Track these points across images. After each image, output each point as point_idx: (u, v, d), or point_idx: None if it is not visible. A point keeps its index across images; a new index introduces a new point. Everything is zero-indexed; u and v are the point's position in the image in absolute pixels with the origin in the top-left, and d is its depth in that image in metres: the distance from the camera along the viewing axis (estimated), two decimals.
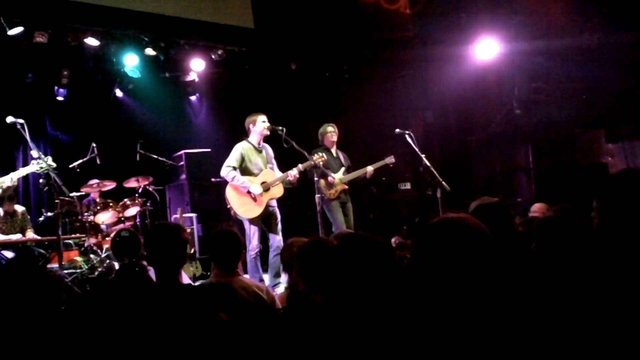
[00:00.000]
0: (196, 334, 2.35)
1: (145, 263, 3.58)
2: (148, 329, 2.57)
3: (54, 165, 6.47)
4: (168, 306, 2.97)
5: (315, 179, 7.25)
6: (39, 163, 6.33)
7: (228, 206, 7.01)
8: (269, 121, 7.09)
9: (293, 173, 6.97)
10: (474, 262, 2.08)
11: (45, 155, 6.56)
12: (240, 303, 3.32)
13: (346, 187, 7.76)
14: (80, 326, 2.46)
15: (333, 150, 7.91)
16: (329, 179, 7.56)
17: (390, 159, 8.00)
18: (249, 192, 6.86)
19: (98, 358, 2.48)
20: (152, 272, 3.46)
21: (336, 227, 7.54)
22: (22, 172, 6.50)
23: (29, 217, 7.56)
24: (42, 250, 7.31)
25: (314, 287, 2.96)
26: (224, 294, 3.18)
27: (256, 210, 6.88)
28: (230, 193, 6.97)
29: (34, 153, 6.37)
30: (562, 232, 3.02)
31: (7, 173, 6.68)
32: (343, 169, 7.80)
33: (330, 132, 7.89)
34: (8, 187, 6.49)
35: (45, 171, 6.36)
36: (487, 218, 3.61)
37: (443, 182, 7.20)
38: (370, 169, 7.84)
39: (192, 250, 8.53)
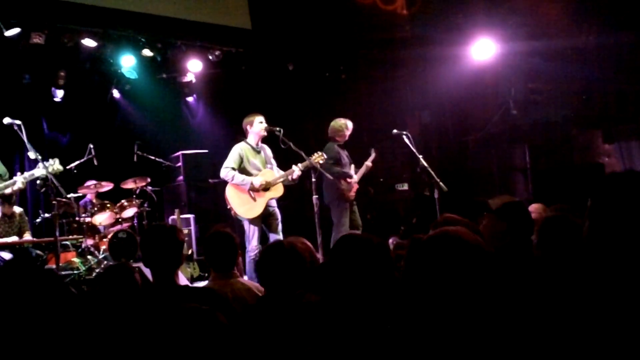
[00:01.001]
0: (192, 334, 2.34)
1: (134, 264, 3.58)
2: (133, 331, 2.57)
3: (62, 168, 6.45)
4: (164, 307, 2.97)
5: (333, 181, 7.33)
6: (46, 167, 6.32)
7: (228, 206, 7.01)
8: (267, 122, 7.10)
9: (295, 174, 6.96)
10: (470, 275, 2.10)
11: (42, 156, 6.52)
12: (229, 309, 3.32)
13: (357, 186, 7.80)
14: (65, 329, 2.46)
15: (343, 148, 7.93)
16: (350, 180, 7.59)
17: (372, 154, 8.04)
18: (249, 191, 6.85)
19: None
20: (148, 273, 3.47)
21: (339, 230, 7.50)
22: (28, 175, 6.45)
23: (26, 218, 7.55)
24: (39, 252, 7.29)
25: (274, 290, 2.95)
26: (212, 300, 3.18)
27: (256, 210, 6.87)
28: (230, 193, 6.97)
29: (31, 154, 6.35)
30: (565, 232, 3.01)
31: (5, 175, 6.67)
32: (353, 166, 7.82)
33: (350, 129, 7.86)
34: (19, 189, 6.45)
35: (54, 173, 6.36)
36: (514, 216, 3.67)
37: (440, 183, 7.21)
38: (369, 164, 7.90)
39: (190, 252, 8.52)
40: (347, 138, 7.87)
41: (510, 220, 3.62)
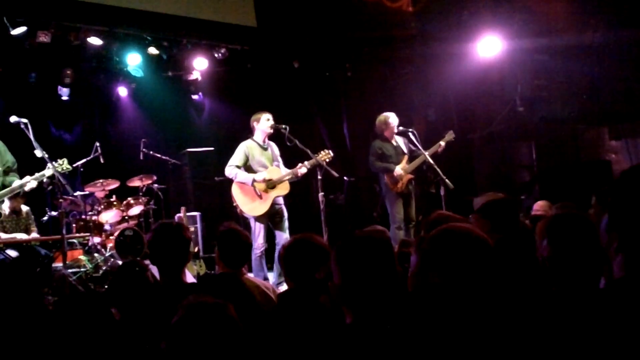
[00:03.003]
0: (201, 330, 2.35)
1: (146, 262, 3.60)
2: (148, 328, 2.59)
3: (70, 168, 6.52)
4: (171, 305, 2.98)
5: (382, 175, 7.64)
6: (56, 167, 6.35)
7: (234, 204, 7.02)
8: (273, 119, 7.10)
9: (301, 172, 6.96)
10: (478, 272, 2.09)
11: (49, 154, 6.54)
12: (247, 294, 3.33)
13: (412, 176, 7.79)
14: (80, 325, 2.47)
15: (393, 141, 7.91)
16: (394, 173, 7.59)
17: (451, 135, 7.90)
18: (254, 187, 6.85)
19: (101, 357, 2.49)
20: (155, 271, 3.48)
21: (393, 222, 7.62)
22: (39, 175, 6.42)
23: (33, 216, 7.57)
24: (46, 251, 7.31)
25: (303, 286, 2.95)
26: (232, 284, 3.19)
27: (262, 208, 6.88)
28: (235, 191, 6.98)
29: (38, 153, 6.37)
30: (578, 230, 2.89)
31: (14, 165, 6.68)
32: (405, 157, 7.79)
33: (393, 122, 7.85)
34: (31, 189, 6.43)
35: (65, 172, 6.41)
36: (497, 214, 3.61)
37: (446, 180, 7.23)
38: (442, 143, 7.76)
39: (196, 249, 8.53)
40: (395, 131, 7.87)
41: (493, 219, 3.55)
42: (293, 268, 3.03)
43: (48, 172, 6.33)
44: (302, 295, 2.88)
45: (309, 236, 3.09)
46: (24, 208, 7.40)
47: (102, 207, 8.16)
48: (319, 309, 2.68)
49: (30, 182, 6.28)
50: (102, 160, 8.39)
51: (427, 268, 2.22)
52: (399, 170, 7.65)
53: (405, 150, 7.86)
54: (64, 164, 6.48)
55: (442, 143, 7.75)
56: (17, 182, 6.34)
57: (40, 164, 6.46)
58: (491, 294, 2.11)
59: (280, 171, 7.09)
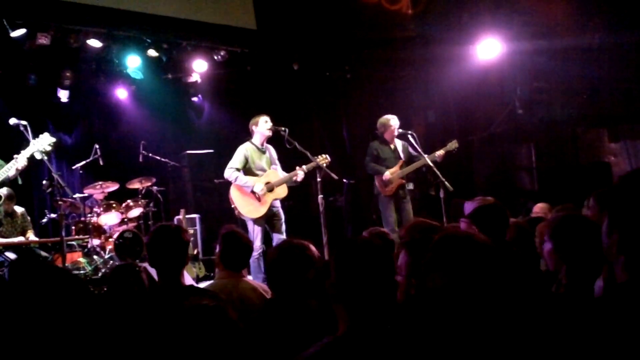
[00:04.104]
0: (201, 333, 2.35)
1: (141, 264, 3.60)
2: (144, 331, 2.58)
3: (54, 139, 6.44)
4: (170, 307, 2.97)
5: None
6: (36, 143, 6.30)
7: (232, 206, 7.02)
8: (272, 122, 7.10)
9: (300, 175, 6.96)
10: (483, 276, 2.09)
11: (48, 157, 6.52)
12: (231, 326, 3.31)
13: (403, 181, 7.79)
14: (77, 329, 2.46)
15: (392, 144, 7.91)
16: (383, 177, 7.61)
17: (454, 144, 7.83)
18: (252, 192, 6.86)
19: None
20: (154, 273, 3.48)
21: (386, 225, 7.60)
22: (25, 152, 6.35)
23: (29, 218, 7.55)
24: (45, 253, 7.30)
25: (283, 294, 2.93)
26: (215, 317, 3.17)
27: (260, 211, 6.88)
28: (234, 193, 6.98)
29: (37, 155, 6.37)
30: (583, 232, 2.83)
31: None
32: (400, 163, 7.79)
33: (394, 125, 7.85)
34: (24, 166, 6.32)
35: (49, 148, 6.35)
36: (485, 219, 3.59)
37: (446, 182, 7.22)
38: (441, 152, 7.68)
39: (196, 251, 8.53)
40: (395, 134, 7.87)
41: (482, 225, 3.52)
42: (274, 277, 3.02)
43: (32, 147, 6.28)
44: (285, 302, 2.86)
45: (287, 243, 3.07)
46: (19, 210, 7.37)
47: (102, 209, 8.16)
48: (305, 314, 2.67)
49: (19, 159, 6.22)
50: (101, 163, 8.41)
51: (429, 272, 2.21)
52: (387, 174, 7.67)
53: (402, 156, 7.86)
54: (45, 137, 6.43)
55: (442, 152, 7.68)
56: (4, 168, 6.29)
57: (39, 165, 6.46)
58: (495, 298, 2.11)
59: (278, 174, 7.09)
